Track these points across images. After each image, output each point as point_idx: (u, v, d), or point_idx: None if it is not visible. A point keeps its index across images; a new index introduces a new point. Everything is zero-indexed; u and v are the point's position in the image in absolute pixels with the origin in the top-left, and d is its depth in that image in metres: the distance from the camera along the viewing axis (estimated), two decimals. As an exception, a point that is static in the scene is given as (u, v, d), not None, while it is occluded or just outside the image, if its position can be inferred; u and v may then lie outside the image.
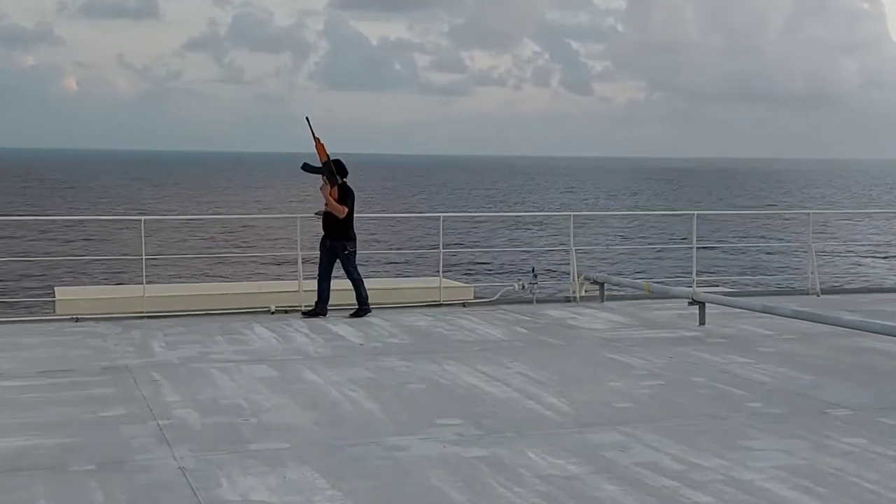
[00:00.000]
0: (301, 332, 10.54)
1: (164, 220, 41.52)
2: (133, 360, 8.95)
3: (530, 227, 46.41)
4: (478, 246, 37.00)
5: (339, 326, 10.85)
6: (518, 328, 10.97)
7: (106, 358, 9.08)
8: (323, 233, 11.57)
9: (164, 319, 11.15)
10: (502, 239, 41.29)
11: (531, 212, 61.82)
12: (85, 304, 11.43)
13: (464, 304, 12.57)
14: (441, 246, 12.97)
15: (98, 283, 22.82)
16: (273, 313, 11.63)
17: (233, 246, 36.77)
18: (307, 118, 10.97)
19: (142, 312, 11.33)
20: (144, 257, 11.75)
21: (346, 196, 11.38)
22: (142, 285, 11.63)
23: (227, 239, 38.72)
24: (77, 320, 10.94)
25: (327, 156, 11.20)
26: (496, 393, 7.72)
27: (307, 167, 11.44)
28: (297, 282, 12.08)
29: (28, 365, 8.68)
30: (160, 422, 6.78)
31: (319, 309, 11.44)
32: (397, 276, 24.48)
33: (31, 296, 18.59)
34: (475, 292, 13.16)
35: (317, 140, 11.00)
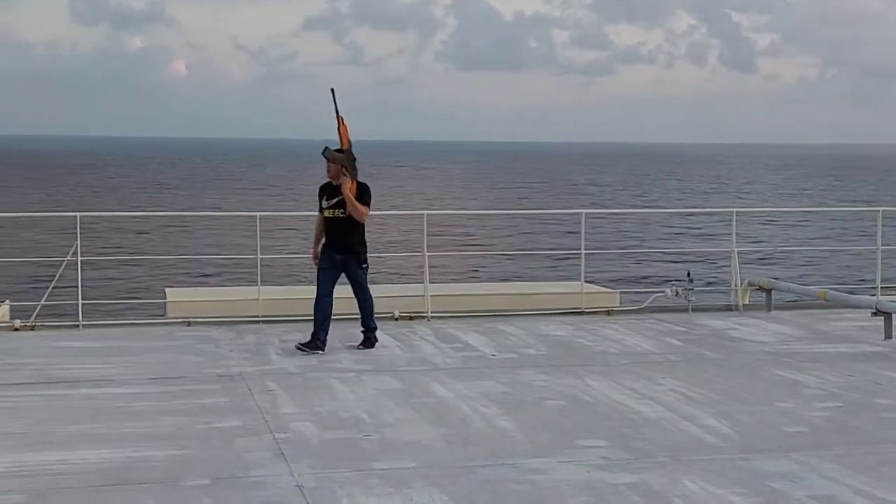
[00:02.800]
0: (427, 340, 10.65)
1: (280, 217, 42.61)
2: (248, 368, 9.22)
3: (684, 225, 45.63)
4: (621, 247, 36.63)
5: (470, 335, 10.91)
6: (671, 340, 10.81)
7: (219, 365, 9.39)
8: (326, 242, 10.12)
9: (280, 324, 11.44)
10: (650, 238, 40.73)
11: (686, 208, 60.79)
12: (197, 307, 11.84)
13: (608, 312, 12.46)
14: (583, 247, 12.90)
15: (210, 284, 23.65)
16: (397, 319, 11.79)
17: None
18: (332, 90, 9.72)
19: (257, 316, 11.66)
20: (259, 256, 12.08)
21: (365, 194, 9.99)
22: (256, 287, 11.97)
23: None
24: (189, 324, 11.35)
25: (349, 142, 9.90)
26: (646, 412, 7.64)
27: (330, 154, 9.96)
28: (422, 285, 12.22)
29: (138, 371, 9.05)
30: (276, 435, 6.96)
31: (318, 342, 9.96)
32: (527, 279, 24.47)
33: (142, 297, 19.35)
34: (621, 299, 13.04)
35: (340, 120, 9.75)
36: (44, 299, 11.52)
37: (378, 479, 5.98)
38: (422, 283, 12.30)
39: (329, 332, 10.04)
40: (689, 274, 13.05)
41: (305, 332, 10.90)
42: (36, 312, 11.36)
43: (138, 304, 16.04)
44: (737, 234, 13.28)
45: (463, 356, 9.85)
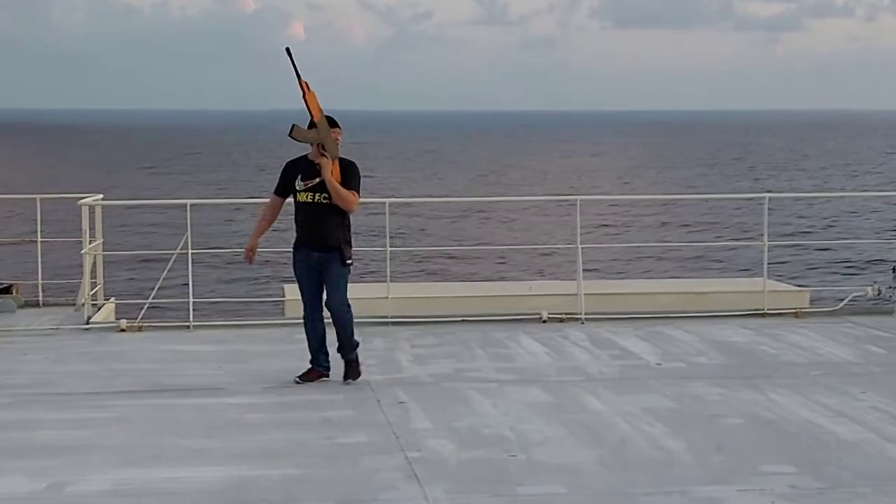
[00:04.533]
0: (581, 346, 10.60)
1: (412, 204, 43.07)
2: (376, 377, 9.33)
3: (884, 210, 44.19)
4: (813, 236, 35.75)
5: (630, 340, 10.82)
6: (872, 347, 10.53)
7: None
8: (300, 237, 9.12)
9: (411, 326, 11.56)
10: (840, 227, 39.60)
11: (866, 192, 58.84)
12: (318, 306, 12.03)
13: (796, 314, 12.19)
14: (766, 236, 12.64)
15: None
16: (545, 322, 11.77)
17: (493, 235, 37.53)
18: (287, 50, 8.80)
19: (385, 317, 11.80)
20: (389, 249, 12.22)
21: (351, 176, 8.97)
22: (385, 283, 12.10)
23: (487, 227, 39.57)
24: (309, 326, 11.54)
25: (321, 112, 8.91)
26: (842, 433, 7.47)
27: (298, 133, 8.97)
28: (575, 282, 12.16)
29: (253, 379, 9.27)
30: (408, 454, 7.03)
31: (320, 368, 9.21)
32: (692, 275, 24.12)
33: (258, 295, 19.83)
34: (811, 298, 12.74)
35: (304, 86, 8.76)
36: (151, 297, 11.91)
37: (524, 507, 5.99)
38: (574, 279, 12.24)
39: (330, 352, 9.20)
40: (894, 269, 12.66)
41: (442, 337, 11.02)
42: (143, 312, 11.75)
43: (254, 302, 16.43)
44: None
45: (622, 365, 9.79)
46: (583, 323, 11.71)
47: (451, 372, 9.54)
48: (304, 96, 8.81)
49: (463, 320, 11.74)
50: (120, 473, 6.73)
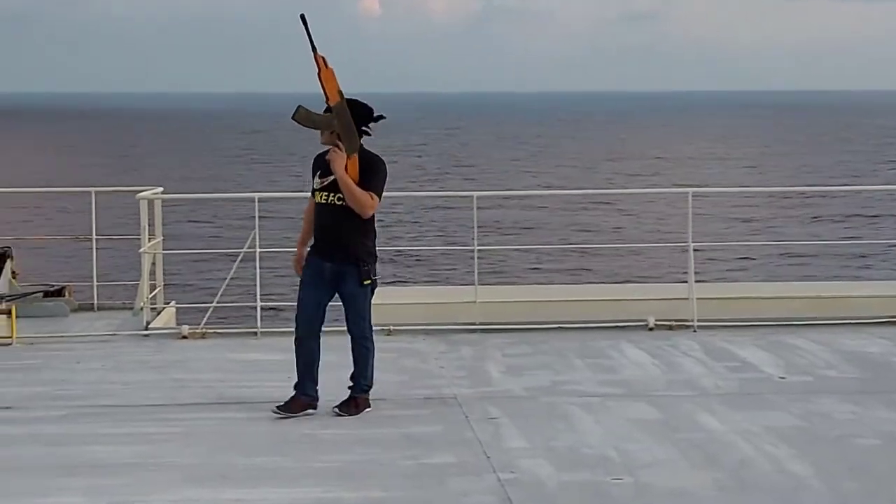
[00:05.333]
0: (693, 356, 10.54)
1: (496, 196, 43.05)
2: (463, 389, 9.37)
3: None
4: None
5: (749, 350, 10.74)
6: None
7: (427, 384, 9.58)
8: (313, 246, 8.66)
9: (502, 334, 11.57)
10: None
11: None
12: (399, 311, 12.09)
13: (941, 322, 11.98)
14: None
15: (415, 282, 24.17)
16: (652, 329, 11.71)
17: (594, 232, 37.40)
18: (302, 17, 8.28)
19: (473, 324, 11.82)
20: (477, 248, 12.23)
21: (373, 174, 8.39)
22: (473, 286, 12.12)
23: (586, 223, 39.42)
24: (390, 332, 11.62)
25: (340, 94, 8.36)
26: None
27: (305, 117, 8.49)
28: (686, 285, 12.09)
29: (328, 391, 9.30)
30: (501, 475, 7.04)
31: (304, 397, 8.61)
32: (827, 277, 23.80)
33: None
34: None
35: (321, 61, 8.27)
36: (215, 301, 12.06)
37: (631, 536, 5.98)
38: (685, 281, 12.15)
39: (319, 381, 8.69)
40: None
41: (536, 346, 11.02)
42: (206, 317, 11.90)
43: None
44: None
45: (740, 378, 9.72)
46: (695, 331, 11.64)
47: (547, 385, 9.53)
48: (318, 74, 8.26)
49: (560, 327, 11.72)
50: (183, 493, 6.83)
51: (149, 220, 12.44)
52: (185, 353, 10.95)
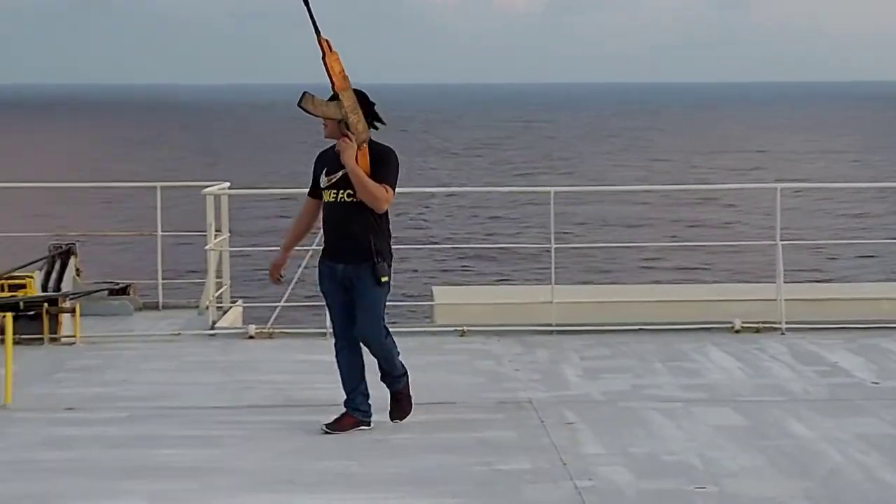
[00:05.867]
0: (780, 360, 10.48)
1: (576, 193, 42.93)
2: (539, 393, 9.36)
3: None
4: None
5: (839, 354, 10.65)
6: None
7: (502, 388, 9.58)
8: (324, 249, 8.41)
9: (580, 336, 11.55)
10: None
11: None
12: (472, 311, 12.12)
13: None
14: None
15: (489, 281, 24.14)
16: (737, 332, 11.64)
17: (676, 229, 37.20)
18: None
19: (549, 325, 11.81)
20: (554, 246, 12.21)
21: (385, 166, 8.12)
22: (549, 286, 12.10)
23: (669, 220, 39.23)
24: (463, 333, 11.64)
25: (346, 80, 8.08)
26: None
27: (311, 103, 8.12)
28: (773, 285, 12.00)
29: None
30: (578, 482, 7.03)
31: (355, 413, 8.33)
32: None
33: (404, 298, 20.01)
34: None
35: (325, 45, 7.98)
36: (283, 299, 12.13)
37: (715, 548, 5.95)
38: (772, 282, 12.06)
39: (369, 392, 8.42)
40: None
41: (615, 348, 10.99)
42: (274, 316, 11.97)
43: (399, 306, 16.60)
44: None
45: (831, 383, 9.65)
46: (783, 333, 11.56)
47: (626, 389, 9.52)
48: (323, 58, 7.94)
49: (640, 329, 11.69)
50: (250, 499, 6.89)
51: (215, 216, 12.53)
52: (252, 354, 11.03)
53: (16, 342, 9.68)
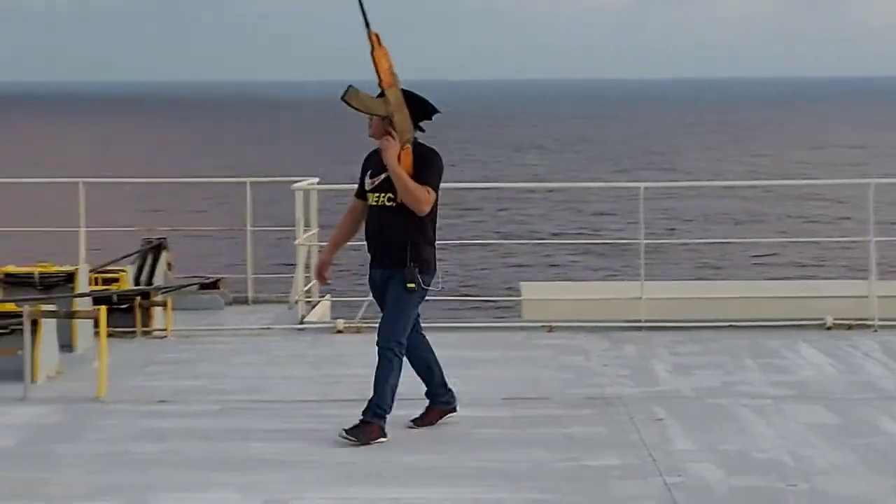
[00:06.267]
0: (873, 357, 10.39)
1: (668, 189, 42.71)
2: (628, 389, 9.36)
3: None
4: None
5: (934, 350, 10.53)
6: None
7: (590, 384, 9.59)
8: (370, 252, 8.21)
9: (669, 332, 11.52)
10: None
11: None
12: (560, 307, 12.11)
13: None
14: None
15: (578, 277, 24.06)
16: (829, 329, 11.54)
17: (767, 224, 36.83)
18: None
19: (639, 321, 11.78)
20: (644, 241, 12.17)
21: (428, 167, 7.90)
22: (639, 282, 12.07)
23: (759, 215, 38.85)
24: (551, 329, 11.65)
25: (394, 76, 7.89)
26: None
27: (355, 98, 7.91)
28: (867, 282, 11.90)
29: (486, 389, 9.40)
30: (667, 479, 7.03)
31: (440, 405, 8.38)
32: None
33: (491, 293, 20.04)
34: None
35: (375, 39, 7.79)
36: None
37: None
38: (865, 278, 11.94)
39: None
40: None
41: (705, 344, 10.94)
42: (362, 310, 12.05)
43: (486, 301, 16.62)
44: None
45: (925, 381, 9.56)
46: (876, 330, 11.44)
47: (717, 385, 9.48)
48: (371, 52, 7.75)
49: (730, 325, 11.64)
50: (339, 492, 6.96)
51: (304, 211, 12.64)
52: (341, 348, 11.13)
53: (109, 335, 9.83)
